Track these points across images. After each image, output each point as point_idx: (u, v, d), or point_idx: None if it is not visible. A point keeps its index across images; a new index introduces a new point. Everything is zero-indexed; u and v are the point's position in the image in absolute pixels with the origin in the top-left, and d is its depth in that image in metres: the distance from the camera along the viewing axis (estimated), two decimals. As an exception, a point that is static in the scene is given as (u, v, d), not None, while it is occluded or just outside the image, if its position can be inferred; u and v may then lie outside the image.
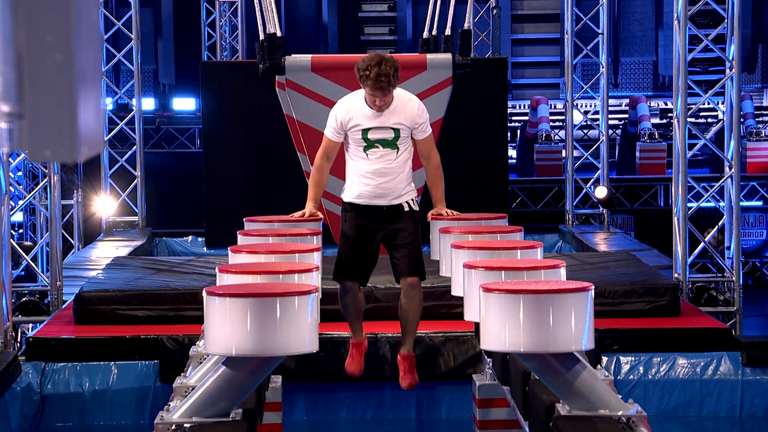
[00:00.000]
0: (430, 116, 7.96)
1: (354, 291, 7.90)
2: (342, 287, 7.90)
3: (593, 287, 6.16)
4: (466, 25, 12.50)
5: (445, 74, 11.94)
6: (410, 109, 7.70)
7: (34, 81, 2.30)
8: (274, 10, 11.65)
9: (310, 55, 12.09)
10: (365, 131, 7.66)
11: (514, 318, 6.00)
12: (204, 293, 6.24)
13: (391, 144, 7.68)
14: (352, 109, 7.70)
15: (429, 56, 12.06)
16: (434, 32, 13.16)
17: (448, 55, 12.04)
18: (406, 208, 7.77)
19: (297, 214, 8.11)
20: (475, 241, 7.73)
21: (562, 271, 6.87)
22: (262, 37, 11.62)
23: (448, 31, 12.52)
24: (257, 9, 11.61)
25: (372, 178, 7.70)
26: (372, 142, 7.67)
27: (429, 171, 7.97)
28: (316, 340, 6.33)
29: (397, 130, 7.67)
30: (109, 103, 18.78)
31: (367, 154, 7.69)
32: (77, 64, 2.28)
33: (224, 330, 6.08)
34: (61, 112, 2.29)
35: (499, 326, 6.07)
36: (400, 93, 7.74)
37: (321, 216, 8.10)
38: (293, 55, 11.89)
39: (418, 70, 11.79)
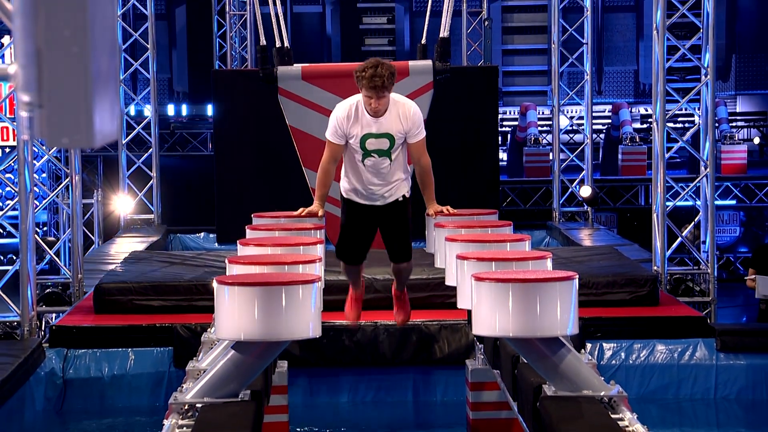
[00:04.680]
0: None
1: (356, 268, 8.06)
2: (345, 269, 8.06)
3: (577, 276, 6.15)
4: (444, 33, 12.47)
5: (426, 79, 11.93)
6: (405, 113, 7.58)
7: (52, 73, 2.29)
8: (280, 22, 11.64)
9: (301, 65, 12.06)
10: (363, 140, 7.55)
11: (503, 305, 5.99)
12: (215, 282, 6.23)
13: (386, 153, 7.60)
14: (351, 113, 7.57)
15: (411, 63, 12.04)
16: (445, 34, 13.08)
17: (429, 62, 12.04)
18: (400, 199, 7.75)
19: (297, 212, 8.03)
20: (467, 234, 7.72)
21: (549, 261, 6.87)
22: (261, 45, 11.63)
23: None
24: (259, 22, 11.61)
25: (368, 187, 7.67)
26: (369, 151, 7.60)
27: (419, 174, 7.83)
28: (319, 327, 6.32)
29: (392, 139, 7.56)
30: (130, 108, 18.75)
31: (363, 163, 7.62)
32: (92, 56, 2.27)
33: (233, 316, 6.07)
34: (77, 102, 2.28)
35: (489, 313, 6.06)
36: (397, 99, 7.62)
37: (321, 214, 7.96)
38: (284, 66, 11.87)
39: (401, 76, 11.75)
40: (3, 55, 13.84)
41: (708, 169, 12.47)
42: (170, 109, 24.51)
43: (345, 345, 10.39)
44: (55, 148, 14.20)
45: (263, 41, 11.47)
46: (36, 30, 2.26)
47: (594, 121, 19.03)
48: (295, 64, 11.97)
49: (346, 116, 7.57)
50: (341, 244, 7.91)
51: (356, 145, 7.58)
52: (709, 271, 12.38)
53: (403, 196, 7.75)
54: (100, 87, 2.31)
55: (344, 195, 7.84)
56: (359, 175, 7.68)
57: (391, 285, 8.32)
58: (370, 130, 7.53)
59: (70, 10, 2.25)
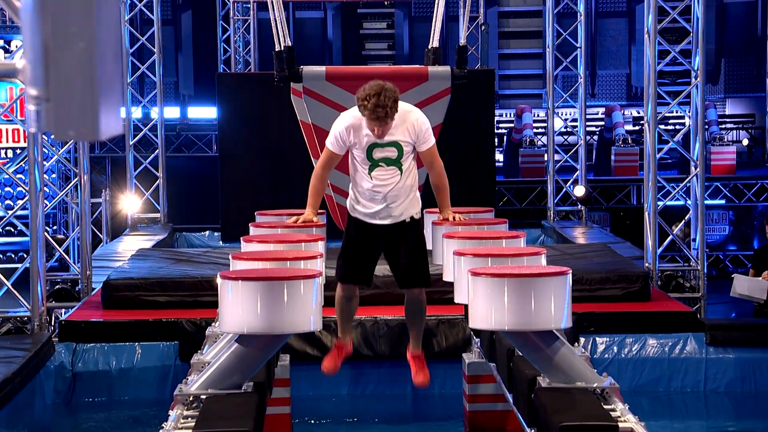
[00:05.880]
0: (431, 122, 7.35)
1: (354, 294, 7.35)
2: (343, 289, 7.34)
3: (571, 271, 6.14)
4: (462, 41, 12.51)
5: (444, 84, 11.93)
6: (411, 122, 7.07)
7: (58, 67, 2.29)
8: (286, 25, 11.65)
9: (325, 66, 12.11)
10: (369, 149, 7.05)
11: (499, 299, 5.99)
12: (219, 277, 6.23)
13: (396, 162, 7.09)
14: (353, 125, 7.06)
15: (430, 68, 12.06)
16: (436, 44, 13.11)
17: (447, 68, 12.06)
18: (408, 220, 7.19)
19: (291, 220, 7.67)
20: (464, 231, 7.71)
21: (543, 258, 6.86)
22: (278, 48, 11.61)
23: (436, 44, 12.55)
24: (273, 23, 11.59)
25: (378, 203, 7.12)
26: (376, 161, 7.08)
27: (433, 179, 7.35)
28: (320, 320, 6.32)
29: (400, 147, 7.06)
30: (135, 111, 18.75)
31: (371, 177, 7.09)
32: (98, 52, 2.27)
33: (237, 310, 6.07)
34: (83, 96, 2.28)
35: (485, 307, 6.06)
36: (402, 109, 7.04)
37: (316, 221, 7.54)
38: (310, 66, 11.92)
39: (421, 80, 11.78)
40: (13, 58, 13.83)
41: (698, 170, 12.47)
42: (176, 112, 24.51)
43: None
44: (64, 149, 14.19)
45: (287, 42, 11.45)
46: (43, 26, 2.26)
47: (587, 123, 19.02)
48: (317, 66, 12.02)
49: (350, 127, 7.09)
50: (343, 260, 7.25)
51: (362, 154, 7.09)
52: (699, 267, 12.38)
53: (411, 217, 7.20)
54: (105, 82, 2.31)
55: (350, 213, 7.30)
56: (369, 196, 7.15)
57: (406, 336, 7.52)
58: (375, 140, 7.04)
59: (76, 7, 2.25)
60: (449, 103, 12.39)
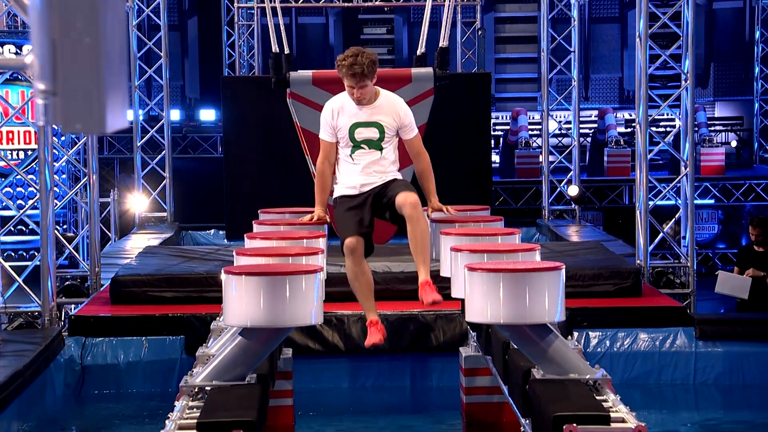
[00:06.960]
0: (416, 122, 7.50)
1: (362, 264, 7.27)
2: (348, 250, 7.23)
3: (564, 266, 6.14)
4: (443, 43, 12.47)
5: (428, 86, 11.93)
6: (394, 108, 7.29)
7: (66, 62, 2.29)
8: (282, 31, 11.65)
9: (311, 71, 12.09)
10: (352, 129, 7.24)
11: (495, 293, 5.98)
12: (223, 273, 6.23)
13: (377, 145, 7.28)
14: (337, 106, 7.29)
15: (413, 70, 12.04)
16: (424, 50, 13.11)
17: (430, 69, 12.04)
18: (392, 178, 7.37)
19: (305, 219, 7.70)
20: (461, 228, 7.70)
21: (537, 254, 6.85)
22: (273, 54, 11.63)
23: (428, 48, 12.54)
24: (271, 30, 11.59)
25: (361, 176, 7.31)
26: (358, 142, 7.26)
27: (419, 168, 7.52)
28: (321, 314, 6.31)
29: (381, 128, 7.25)
30: (142, 113, 18.76)
31: (353, 158, 7.28)
32: (104, 46, 2.27)
33: (241, 304, 6.07)
34: (90, 90, 2.28)
35: (482, 301, 6.06)
36: (386, 93, 7.34)
37: (328, 220, 7.68)
38: (296, 71, 11.90)
39: (404, 82, 11.76)
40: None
41: (688, 170, 12.47)
42: (182, 114, 24.50)
43: (346, 334, 10.38)
44: (73, 150, 14.18)
45: (275, 48, 11.46)
46: (51, 22, 2.26)
47: (581, 125, 19.06)
48: (305, 71, 12.00)
49: (334, 108, 7.30)
50: (341, 225, 7.34)
51: (345, 136, 7.26)
52: (688, 264, 12.38)
53: (394, 178, 7.39)
54: (111, 76, 2.31)
55: (335, 196, 7.47)
56: (351, 176, 7.33)
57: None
58: (358, 119, 7.25)
59: (83, 3, 2.25)
60: (445, 105, 12.39)
